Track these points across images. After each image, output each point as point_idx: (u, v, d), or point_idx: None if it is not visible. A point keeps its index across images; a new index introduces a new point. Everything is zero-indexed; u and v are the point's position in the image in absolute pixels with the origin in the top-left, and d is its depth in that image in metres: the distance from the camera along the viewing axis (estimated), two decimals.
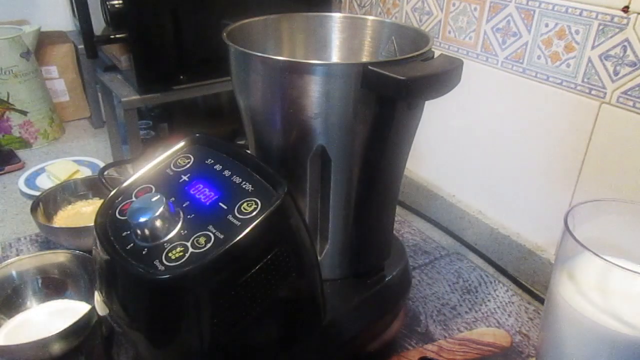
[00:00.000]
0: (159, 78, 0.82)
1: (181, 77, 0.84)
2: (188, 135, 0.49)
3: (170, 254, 0.38)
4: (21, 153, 1.05)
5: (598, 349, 0.41)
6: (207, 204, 0.41)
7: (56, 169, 0.93)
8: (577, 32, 0.59)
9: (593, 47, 0.58)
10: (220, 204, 0.41)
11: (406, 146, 0.51)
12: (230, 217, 0.40)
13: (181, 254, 0.38)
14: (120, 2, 0.76)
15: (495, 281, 0.72)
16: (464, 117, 0.77)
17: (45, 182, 0.91)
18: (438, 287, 0.71)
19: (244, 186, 0.42)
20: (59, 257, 0.64)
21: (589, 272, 0.41)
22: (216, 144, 0.47)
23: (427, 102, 0.49)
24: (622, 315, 0.40)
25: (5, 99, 1.05)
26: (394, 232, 0.67)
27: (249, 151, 0.55)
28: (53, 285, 0.63)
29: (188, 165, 0.46)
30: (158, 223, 0.39)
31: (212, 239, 0.38)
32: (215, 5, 0.79)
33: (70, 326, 0.52)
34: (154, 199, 0.40)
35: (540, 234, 0.71)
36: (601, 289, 0.41)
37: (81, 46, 0.97)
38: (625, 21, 0.54)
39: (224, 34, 0.49)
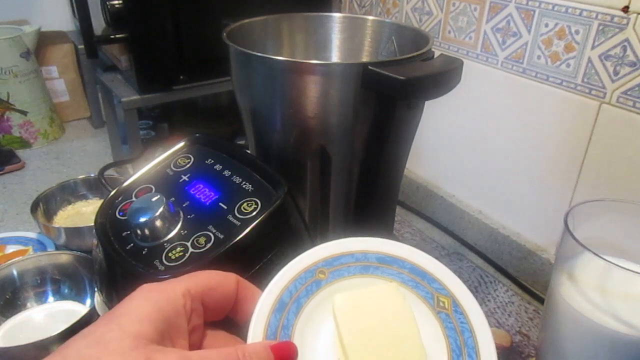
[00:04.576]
0: (159, 78, 0.82)
1: (181, 77, 0.84)
2: (188, 135, 0.49)
3: (170, 254, 0.38)
4: (21, 153, 1.05)
5: (598, 349, 0.41)
6: (207, 204, 0.41)
7: None
8: (577, 32, 0.59)
9: (593, 47, 0.58)
10: (220, 204, 0.41)
11: (406, 146, 0.51)
12: (230, 217, 0.40)
13: (181, 254, 0.38)
14: (120, 2, 0.76)
15: (495, 281, 0.72)
16: (464, 117, 0.77)
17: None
18: None
19: (244, 186, 0.42)
20: (59, 257, 0.64)
21: (589, 272, 0.41)
22: (216, 144, 0.47)
23: (427, 102, 0.49)
24: (622, 315, 0.40)
25: (5, 99, 1.05)
26: (394, 232, 0.67)
27: (249, 151, 0.55)
28: (53, 286, 0.63)
29: (188, 165, 0.46)
30: (158, 223, 0.39)
31: (212, 239, 0.38)
32: (216, 5, 0.79)
33: (70, 327, 0.52)
34: (154, 199, 0.40)
35: (540, 234, 0.71)
36: (601, 289, 0.41)
37: (81, 46, 0.97)
38: (625, 21, 0.54)
39: (224, 34, 0.49)
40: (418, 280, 0.32)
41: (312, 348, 0.29)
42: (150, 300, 0.26)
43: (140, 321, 0.25)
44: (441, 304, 0.31)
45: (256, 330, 0.28)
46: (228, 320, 0.31)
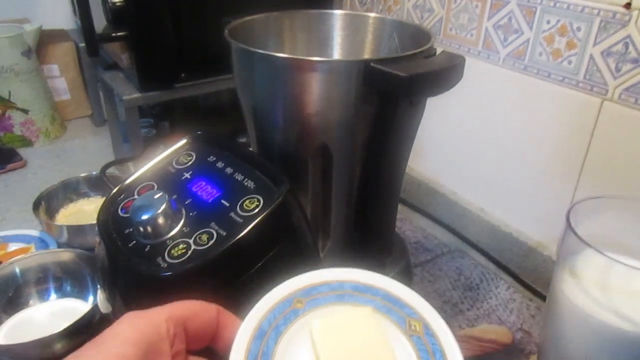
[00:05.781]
0: (160, 76, 0.82)
1: (182, 75, 0.84)
2: (190, 133, 0.49)
3: (172, 251, 0.38)
4: (22, 151, 1.05)
5: (600, 345, 0.41)
6: (209, 201, 0.42)
7: None
8: (578, 28, 0.59)
9: (595, 44, 0.58)
10: (223, 201, 0.41)
11: (408, 143, 0.51)
12: (232, 215, 0.40)
13: (184, 251, 0.38)
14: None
15: (496, 278, 0.72)
16: (466, 115, 0.77)
17: None
18: (439, 285, 0.71)
19: (245, 183, 0.42)
20: (62, 255, 0.64)
21: (591, 269, 0.41)
22: (218, 141, 0.47)
23: (428, 99, 0.49)
24: (625, 312, 0.40)
25: (7, 97, 1.05)
26: (396, 229, 0.67)
27: (250, 148, 0.55)
28: (55, 284, 0.63)
29: (190, 163, 0.46)
30: (160, 220, 0.39)
31: (215, 236, 0.38)
32: (217, 2, 0.79)
33: (73, 324, 0.52)
34: (156, 197, 0.40)
35: (542, 231, 0.71)
36: (603, 286, 0.41)
37: (82, 44, 0.97)
38: (627, 18, 0.54)
39: (226, 31, 0.49)
40: (390, 306, 0.34)
41: None
42: (134, 325, 0.28)
43: (124, 344, 0.26)
44: (413, 327, 0.32)
45: (237, 356, 0.29)
46: (210, 350, 0.32)
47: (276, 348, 0.30)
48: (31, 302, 0.62)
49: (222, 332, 0.31)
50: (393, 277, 0.36)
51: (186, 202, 0.42)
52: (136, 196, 0.44)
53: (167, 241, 0.39)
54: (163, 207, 0.39)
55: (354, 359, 0.30)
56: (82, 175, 0.81)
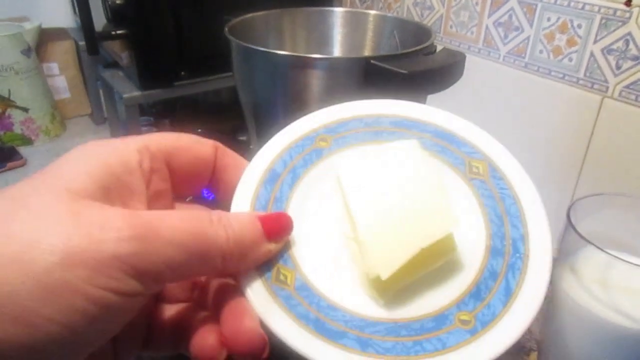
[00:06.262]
0: (160, 74, 0.82)
1: (183, 73, 0.83)
2: (190, 131, 0.49)
3: None
4: (23, 150, 1.05)
5: (601, 343, 0.41)
6: (210, 199, 0.41)
7: None
8: (579, 26, 0.59)
9: (595, 41, 0.58)
10: None
11: None
12: None
13: None
14: None
15: None
16: (466, 112, 0.76)
17: None
18: None
19: None
20: None
21: (592, 266, 0.41)
22: (217, 140, 0.47)
23: (428, 97, 0.49)
24: (625, 309, 0.40)
25: (6, 96, 1.05)
26: None
27: (251, 146, 0.55)
28: None
29: None
30: None
31: None
32: (217, 0, 0.79)
33: None
34: None
35: None
36: (604, 283, 0.41)
37: (82, 43, 0.97)
38: (627, 15, 0.54)
39: (226, 29, 0.49)
40: (444, 144, 0.26)
41: (312, 223, 0.23)
42: (92, 154, 0.21)
43: (75, 175, 0.20)
44: (475, 169, 0.25)
45: (242, 201, 0.23)
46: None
47: (292, 194, 0.24)
48: None
49: (222, 174, 0.25)
50: None
51: (186, 200, 0.42)
52: None
53: None
54: None
55: (394, 205, 0.23)
56: None
